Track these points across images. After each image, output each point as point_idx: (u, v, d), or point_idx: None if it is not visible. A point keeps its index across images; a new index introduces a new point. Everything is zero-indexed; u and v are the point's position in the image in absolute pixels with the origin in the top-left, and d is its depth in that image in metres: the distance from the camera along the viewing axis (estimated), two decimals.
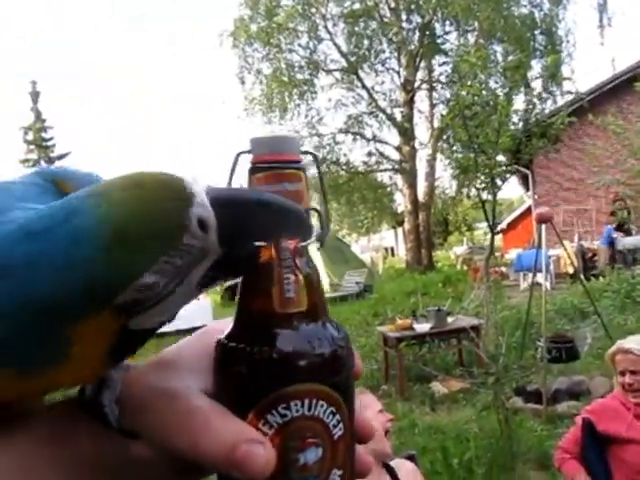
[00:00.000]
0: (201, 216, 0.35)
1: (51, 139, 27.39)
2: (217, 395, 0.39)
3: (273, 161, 0.42)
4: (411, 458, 2.39)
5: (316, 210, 0.46)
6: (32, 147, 26.88)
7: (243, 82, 18.98)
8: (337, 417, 0.38)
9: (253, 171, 0.42)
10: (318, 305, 0.40)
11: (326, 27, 18.72)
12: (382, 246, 25.52)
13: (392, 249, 26.64)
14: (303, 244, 0.40)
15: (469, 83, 6.22)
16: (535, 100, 7.07)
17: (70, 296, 0.32)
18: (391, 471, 1.96)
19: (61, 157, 27.57)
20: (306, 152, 0.45)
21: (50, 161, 27.30)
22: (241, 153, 0.44)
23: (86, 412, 0.40)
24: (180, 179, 0.36)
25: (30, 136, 26.86)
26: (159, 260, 0.34)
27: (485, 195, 6.04)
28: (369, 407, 1.95)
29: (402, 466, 2.05)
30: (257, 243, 0.38)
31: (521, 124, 6.84)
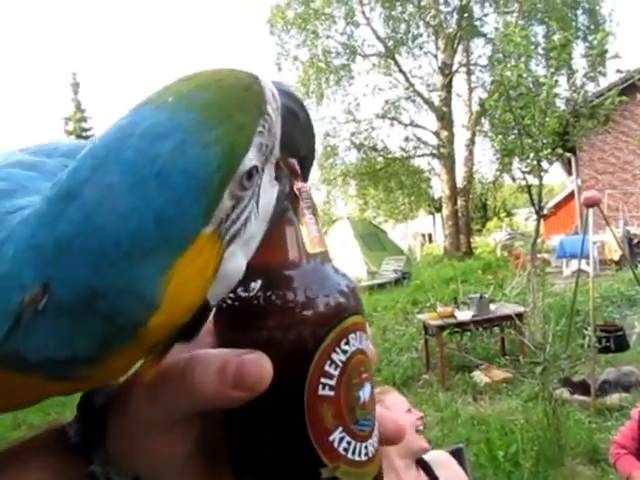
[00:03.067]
0: (273, 90, 0.34)
1: (90, 129, 27.98)
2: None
3: None
4: (459, 451, 2.33)
5: None
6: (72, 137, 27.46)
7: (280, 69, 19.07)
8: (370, 346, 0.39)
9: None
10: (327, 245, 0.40)
11: (363, 12, 18.58)
12: (420, 232, 25.29)
13: (430, 235, 26.38)
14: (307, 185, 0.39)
15: (513, 64, 6.02)
16: (584, 79, 6.79)
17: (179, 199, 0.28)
18: (425, 466, 1.92)
19: None
20: None
21: None
22: None
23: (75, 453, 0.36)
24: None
25: (70, 126, 27.47)
26: (256, 131, 0.31)
27: (531, 179, 5.85)
28: (396, 407, 1.90)
29: (438, 460, 2.00)
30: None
31: (566, 105, 6.60)
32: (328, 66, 18.56)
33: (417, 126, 19.30)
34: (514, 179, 6.53)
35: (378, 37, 18.79)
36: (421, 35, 19.20)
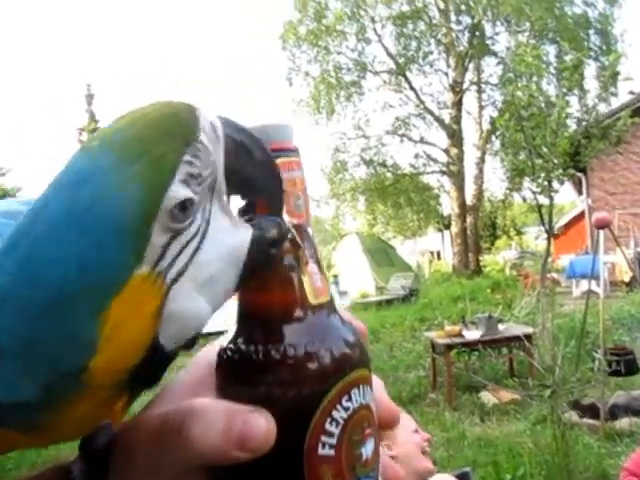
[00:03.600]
0: (210, 120, 0.32)
1: None
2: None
3: (281, 149, 0.39)
4: (465, 476, 2.29)
5: None
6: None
7: (291, 84, 19.12)
8: (374, 400, 0.37)
9: None
10: (331, 293, 0.39)
11: (374, 29, 18.70)
12: (428, 249, 25.20)
13: (438, 253, 26.28)
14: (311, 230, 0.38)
15: (525, 83, 6.02)
16: (595, 100, 6.78)
17: (101, 252, 0.28)
18: None
19: None
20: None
21: None
22: None
23: None
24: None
25: (84, 137, 27.81)
26: (181, 160, 0.30)
27: (541, 198, 5.82)
28: (402, 427, 1.85)
29: None
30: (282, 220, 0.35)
31: (577, 125, 6.58)
32: (339, 82, 18.64)
33: (427, 143, 19.31)
34: (524, 199, 6.51)
35: (389, 54, 18.87)
36: (432, 53, 19.26)
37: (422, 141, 19.26)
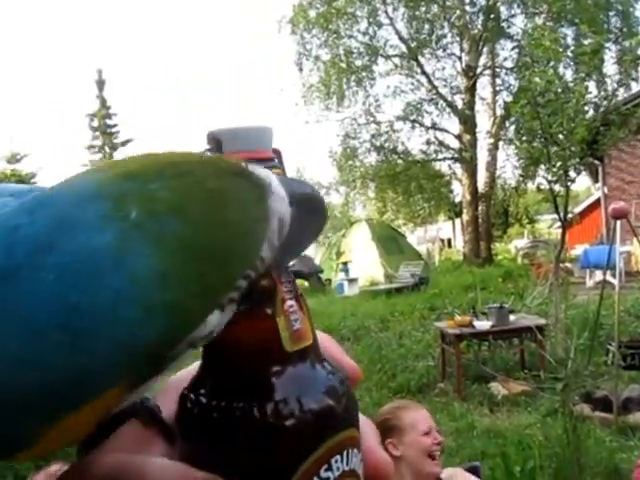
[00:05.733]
0: (281, 216, 0.26)
1: (115, 126, 28.31)
2: None
3: (254, 159, 0.32)
4: (474, 469, 2.26)
5: None
6: (97, 134, 27.85)
7: (301, 69, 18.93)
8: (361, 462, 0.32)
9: None
10: (316, 335, 0.33)
11: (386, 12, 18.39)
12: (439, 237, 25.08)
13: (449, 241, 26.15)
14: (293, 262, 0.33)
15: (541, 68, 5.86)
16: (615, 85, 6.60)
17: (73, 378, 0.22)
18: None
19: (125, 143, 28.48)
20: (273, 150, 0.36)
21: (114, 147, 28.29)
22: (205, 152, 0.34)
23: None
24: (246, 165, 0.27)
25: (95, 123, 27.87)
26: (231, 287, 0.25)
27: (557, 188, 5.70)
28: (414, 427, 1.85)
29: (452, 476, 1.94)
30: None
31: (595, 112, 6.41)
32: (349, 67, 18.37)
33: (439, 129, 19.09)
34: (539, 188, 6.39)
35: (401, 38, 18.58)
36: (445, 36, 18.92)
37: (434, 127, 19.03)
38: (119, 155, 28.50)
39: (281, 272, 0.32)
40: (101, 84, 27.42)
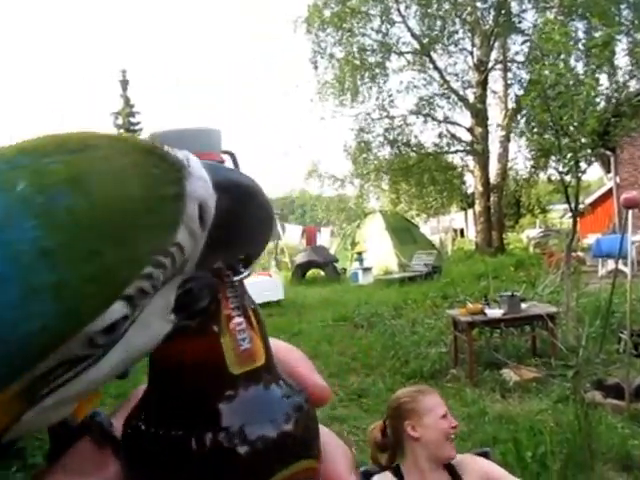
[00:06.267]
0: (201, 199, 0.24)
1: (138, 123, 28.70)
2: None
3: None
4: (485, 455, 2.32)
5: None
6: (121, 131, 28.11)
7: (316, 67, 19.10)
8: None
9: None
10: (271, 352, 0.30)
11: (398, 10, 18.46)
12: (451, 227, 25.05)
13: (462, 231, 26.09)
14: (245, 274, 0.28)
15: (552, 61, 5.88)
16: (626, 77, 6.60)
17: None
18: (452, 471, 1.92)
19: None
20: (224, 151, 0.33)
21: None
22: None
23: None
24: (162, 146, 0.24)
25: (120, 120, 28.21)
26: (136, 276, 0.22)
27: (568, 179, 5.73)
28: (431, 411, 1.90)
29: (466, 463, 1.97)
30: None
31: (607, 103, 6.42)
32: (363, 63, 18.56)
33: (451, 122, 19.14)
34: (550, 179, 6.43)
35: (413, 35, 18.65)
36: (457, 32, 18.93)
37: (446, 120, 19.09)
38: None
39: (225, 284, 0.28)
40: (125, 83, 27.80)
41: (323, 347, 7.44)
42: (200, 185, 0.24)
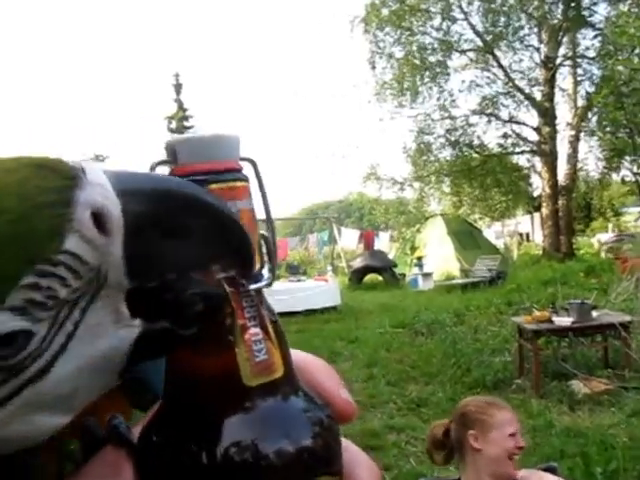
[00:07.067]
0: (97, 206, 0.23)
1: (192, 127, 29.41)
2: None
3: (212, 171, 0.29)
4: (551, 470, 2.23)
5: (263, 236, 0.33)
6: (175, 135, 29.02)
7: (374, 67, 19.01)
8: None
9: None
10: (291, 364, 0.29)
11: (460, 6, 18.13)
12: (517, 232, 24.40)
13: (528, 235, 25.40)
14: (263, 283, 0.29)
15: (626, 57, 5.59)
16: None
17: None
18: None
19: None
20: (243, 158, 0.32)
21: None
22: (160, 164, 0.31)
23: None
24: (58, 159, 0.24)
25: (173, 125, 29.00)
26: (15, 285, 0.22)
27: None
28: (501, 427, 1.84)
29: (529, 478, 1.92)
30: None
31: None
32: (423, 63, 18.33)
33: (516, 122, 18.63)
34: (624, 180, 6.13)
35: (476, 31, 18.27)
36: (522, 28, 18.39)
37: (511, 120, 18.61)
38: None
39: (239, 293, 0.27)
40: (178, 87, 28.47)
41: (381, 354, 7.36)
42: (96, 192, 0.23)
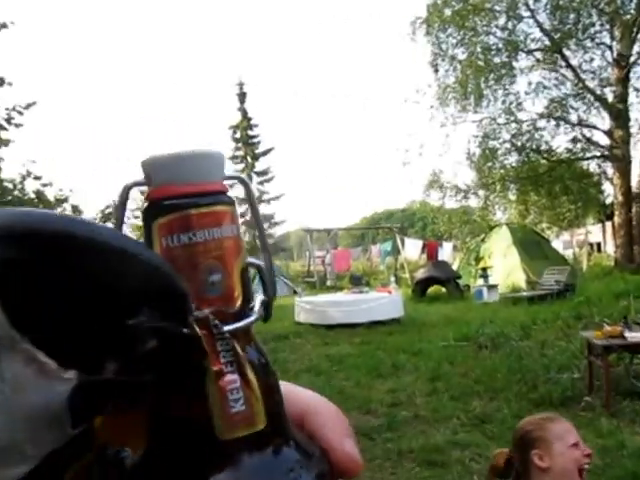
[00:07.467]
0: None
1: (256, 136, 29.78)
2: None
3: (187, 194, 0.26)
4: None
5: (255, 265, 0.30)
6: (240, 145, 29.52)
7: (436, 70, 18.76)
8: None
9: (153, 213, 0.26)
10: (281, 414, 0.27)
11: (527, 4, 17.61)
12: (587, 241, 23.51)
13: (599, 245, 24.42)
14: (245, 322, 0.26)
15: None
16: None
17: None
18: None
19: (265, 153, 29.90)
20: (231, 177, 0.29)
21: (255, 157, 29.82)
22: (134, 185, 0.28)
23: None
24: None
25: (238, 134, 29.50)
26: None
27: None
28: (561, 438, 1.77)
29: None
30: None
31: None
32: (488, 64, 17.87)
33: (587, 125, 17.93)
34: None
35: (543, 30, 17.70)
36: (593, 25, 17.71)
37: (581, 124, 17.93)
38: (260, 165, 30.02)
39: (212, 336, 0.24)
40: (242, 96, 28.93)
41: (444, 368, 7.28)
42: None
